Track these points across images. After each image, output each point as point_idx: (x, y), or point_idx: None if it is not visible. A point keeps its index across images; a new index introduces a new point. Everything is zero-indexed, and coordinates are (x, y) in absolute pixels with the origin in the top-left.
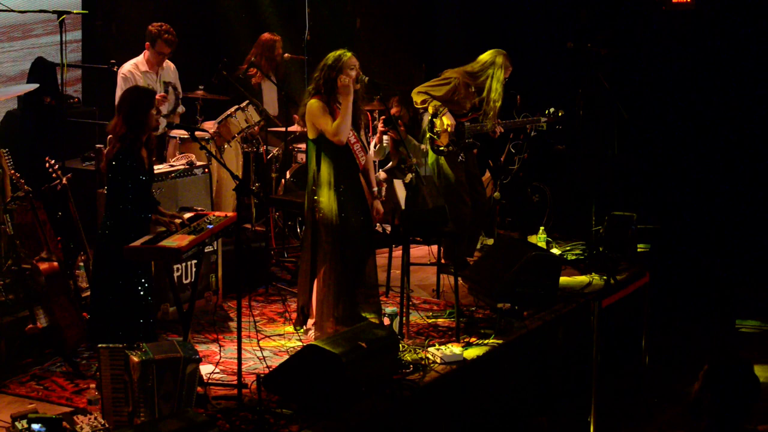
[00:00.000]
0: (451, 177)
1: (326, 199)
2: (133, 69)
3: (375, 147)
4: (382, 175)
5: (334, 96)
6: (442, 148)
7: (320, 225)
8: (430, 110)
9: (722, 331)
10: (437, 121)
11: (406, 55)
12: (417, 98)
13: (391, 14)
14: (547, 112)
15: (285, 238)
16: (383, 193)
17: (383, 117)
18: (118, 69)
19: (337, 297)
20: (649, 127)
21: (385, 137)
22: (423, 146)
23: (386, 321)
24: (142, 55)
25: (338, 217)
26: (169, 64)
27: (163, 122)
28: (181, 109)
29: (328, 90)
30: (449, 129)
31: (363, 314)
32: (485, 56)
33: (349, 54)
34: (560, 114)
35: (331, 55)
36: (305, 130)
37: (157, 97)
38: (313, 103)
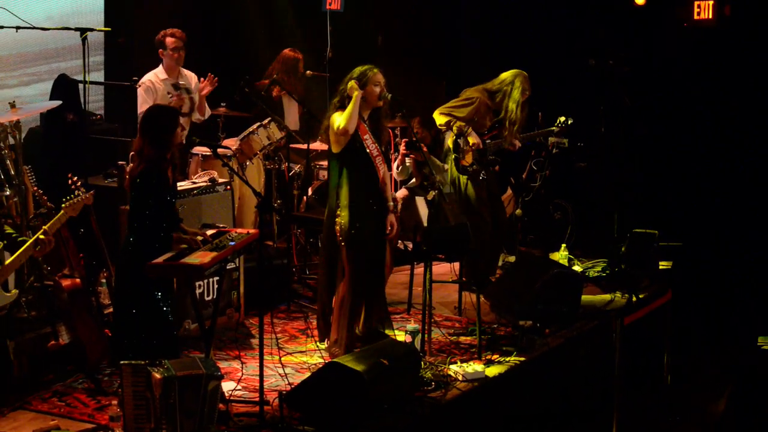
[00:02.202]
0: (472, 195)
1: (347, 214)
2: (153, 78)
3: (398, 168)
4: (403, 192)
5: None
6: (468, 168)
7: (340, 240)
8: (454, 130)
9: (745, 351)
10: (461, 141)
11: (427, 72)
12: (440, 119)
13: (412, 32)
14: (557, 122)
15: (307, 255)
16: (399, 209)
17: (405, 140)
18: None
19: (357, 313)
20: (671, 144)
21: (407, 159)
22: (446, 165)
23: (408, 338)
24: (160, 65)
25: (358, 233)
26: (189, 73)
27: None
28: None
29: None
30: (475, 148)
31: (385, 331)
32: (505, 75)
33: (375, 69)
34: (569, 122)
35: (358, 69)
36: (327, 146)
37: (171, 99)
38: (337, 116)
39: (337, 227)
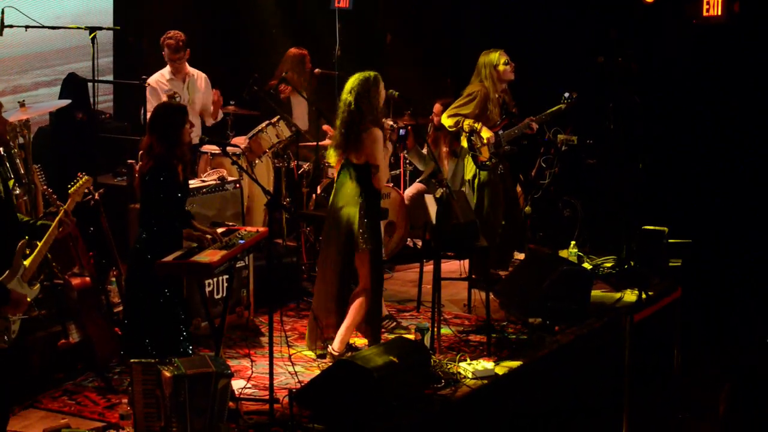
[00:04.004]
0: (488, 193)
1: (366, 223)
2: (159, 78)
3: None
4: (412, 189)
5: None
6: (487, 163)
7: (361, 242)
8: (466, 128)
9: (750, 347)
10: (475, 138)
11: (435, 69)
12: (448, 122)
13: (420, 29)
14: (563, 98)
15: (316, 253)
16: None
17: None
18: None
19: (368, 313)
20: (680, 141)
21: (423, 151)
22: (466, 167)
23: (417, 336)
24: (167, 65)
25: (373, 233)
26: (197, 73)
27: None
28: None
29: (377, 115)
30: (490, 142)
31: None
32: (480, 62)
33: (374, 73)
34: (574, 96)
35: (366, 79)
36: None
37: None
38: (378, 133)
39: (363, 234)
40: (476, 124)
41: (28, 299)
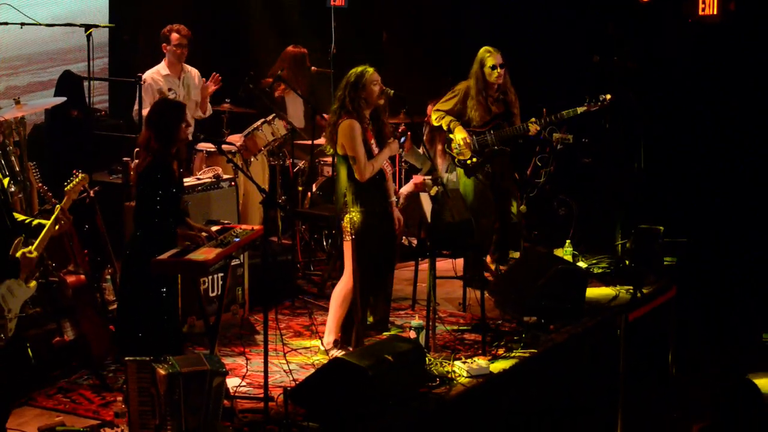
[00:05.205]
0: (470, 190)
1: (357, 213)
2: (155, 75)
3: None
4: (407, 188)
5: (362, 115)
6: (468, 162)
7: (351, 238)
8: (444, 127)
9: (749, 347)
10: (452, 136)
11: (432, 67)
12: (434, 117)
13: (417, 27)
14: (594, 100)
15: (311, 251)
16: (401, 202)
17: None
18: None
19: (364, 312)
20: (676, 141)
21: (420, 150)
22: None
23: (412, 334)
24: (163, 61)
25: (368, 232)
26: (191, 69)
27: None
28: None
29: (356, 108)
30: (462, 143)
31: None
32: (477, 56)
33: (371, 69)
34: (608, 98)
35: (353, 73)
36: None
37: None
38: (351, 124)
39: (346, 225)
40: (452, 124)
41: (25, 297)
